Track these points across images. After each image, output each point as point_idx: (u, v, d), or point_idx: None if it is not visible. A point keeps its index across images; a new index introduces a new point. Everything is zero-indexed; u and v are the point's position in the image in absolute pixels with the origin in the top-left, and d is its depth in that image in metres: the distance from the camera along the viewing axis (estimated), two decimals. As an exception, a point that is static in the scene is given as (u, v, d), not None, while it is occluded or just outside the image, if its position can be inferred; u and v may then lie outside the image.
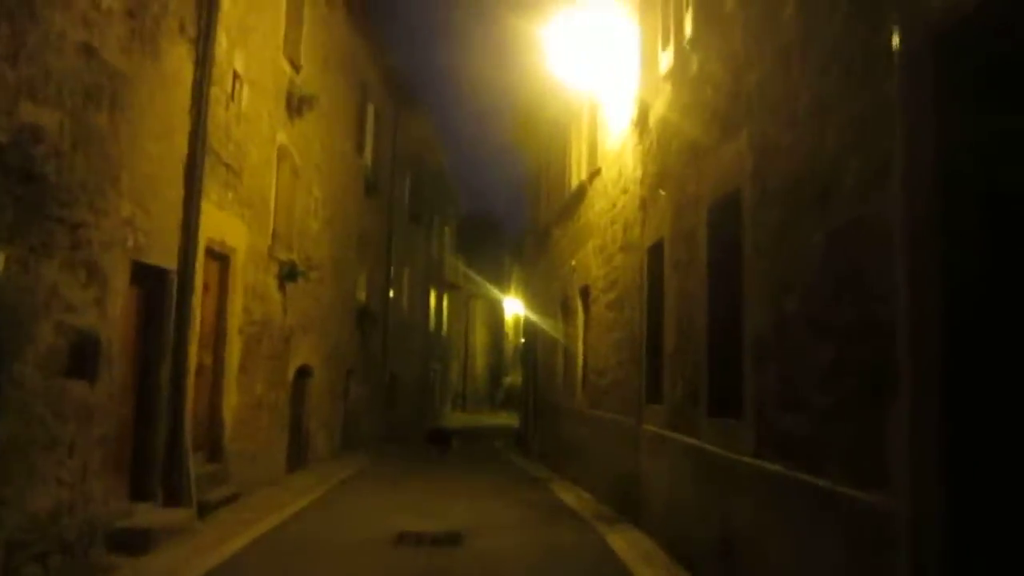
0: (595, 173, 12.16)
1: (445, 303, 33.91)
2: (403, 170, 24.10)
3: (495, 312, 46.70)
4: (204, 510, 8.77)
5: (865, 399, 3.95)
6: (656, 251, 8.78)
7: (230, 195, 9.89)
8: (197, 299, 8.89)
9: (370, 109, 19.20)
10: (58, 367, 6.16)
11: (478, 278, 39.77)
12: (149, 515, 7.74)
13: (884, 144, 3.79)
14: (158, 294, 8.27)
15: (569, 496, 11.68)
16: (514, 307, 45.43)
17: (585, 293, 12.91)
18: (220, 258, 9.90)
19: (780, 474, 4.92)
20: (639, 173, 9.51)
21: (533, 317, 20.32)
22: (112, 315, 7.00)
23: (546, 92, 15.44)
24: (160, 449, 8.16)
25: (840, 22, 4.42)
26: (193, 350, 8.87)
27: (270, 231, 11.67)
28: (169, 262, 8.31)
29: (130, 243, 7.35)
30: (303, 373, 14.03)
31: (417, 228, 26.72)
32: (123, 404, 7.60)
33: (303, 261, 12.87)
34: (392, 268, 22.20)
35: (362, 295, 18.60)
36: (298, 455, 13.82)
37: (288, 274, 12.22)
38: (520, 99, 18.99)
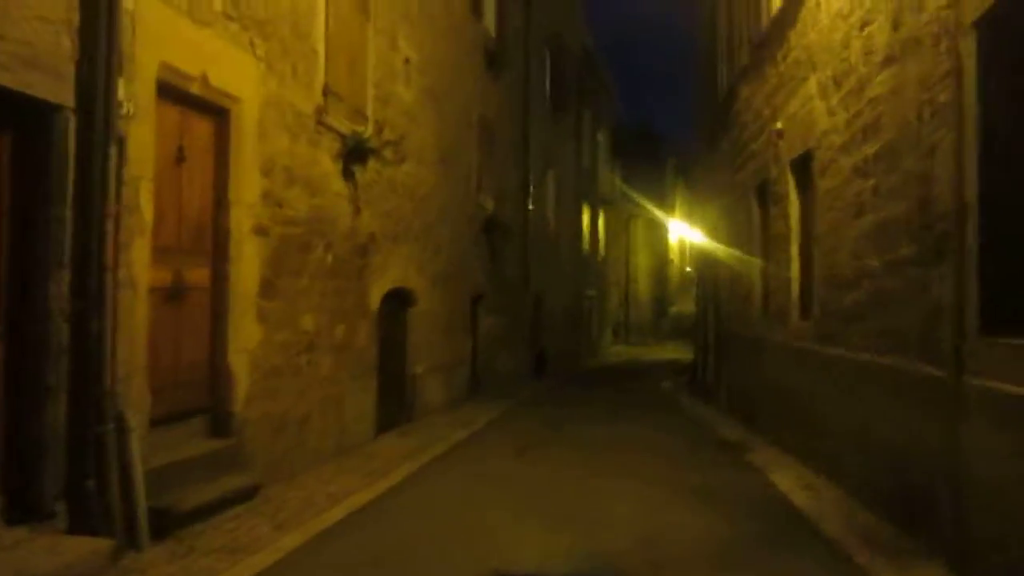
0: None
1: (600, 220, 29.52)
2: (540, 50, 19.71)
3: (658, 234, 41.69)
4: (170, 526, 5.14)
5: None
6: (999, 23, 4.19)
7: (218, 4, 6.00)
8: (141, 164, 5.11)
9: (489, -40, 14.92)
10: None
11: (638, 196, 34.83)
12: (19, 553, 4.12)
13: None
14: (36, 151, 4.53)
15: (788, 481, 7.32)
16: (679, 229, 40.33)
17: (803, 165, 8.29)
18: (207, 108, 6.08)
19: None
20: None
21: (710, 227, 15.68)
22: None
23: None
24: (56, 427, 4.50)
25: None
26: (139, 253, 5.12)
27: (318, 84, 7.76)
28: (57, 92, 4.52)
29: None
30: (399, 299, 10.27)
31: (562, 126, 22.37)
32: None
33: (379, 136, 8.92)
34: (531, 171, 18.07)
35: (488, 201, 14.61)
36: (396, 410, 10.17)
37: (354, 153, 8.33)
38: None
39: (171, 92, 5.57)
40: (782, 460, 8.38)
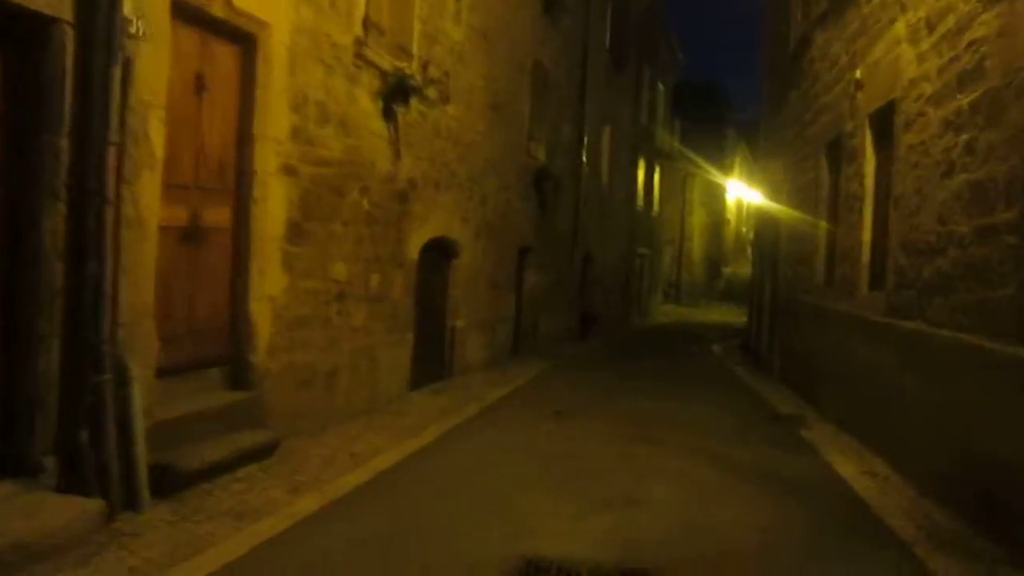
0: None
1: (656, 177, 28.58)
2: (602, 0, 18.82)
3: (715, 194, 40.44)
4: (175, 484, 4.79)
5: None
6: None
7: (245, -82, 5.47)
8: (152, 90, 4.64)
9: None
10: None
11: (695, 155, 33.60)
12: None
13: None
14: (29, 70, 4.08)
15: (849, 465, 6.72)
16: (737, 190, 39.08)
17: (883, 118, 7.52)
18: (231, 34, 5.59)
19: None
20: None
21: (772, 186, 14.85)
22: None
23: None
24: (48, 377, 4.13)
25: None
26: (147, 188, 4.69)
27: (358, 15, 7.22)
28: (53, 3, 4.06)
29: None
30: (440, 250, 9.81)
31: (621, 79, 21.48)
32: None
33: (423, 75, 8.35)
34: (586, 124, 17.33)
35: (540, 152, 13.98)
36: (433, 365, 9.78)
37: (396, 91, 7.79)
38: None
39: (188, 12, 5.08)
40: (841, 440, 7.77)
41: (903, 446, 6.39)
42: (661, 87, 28.63)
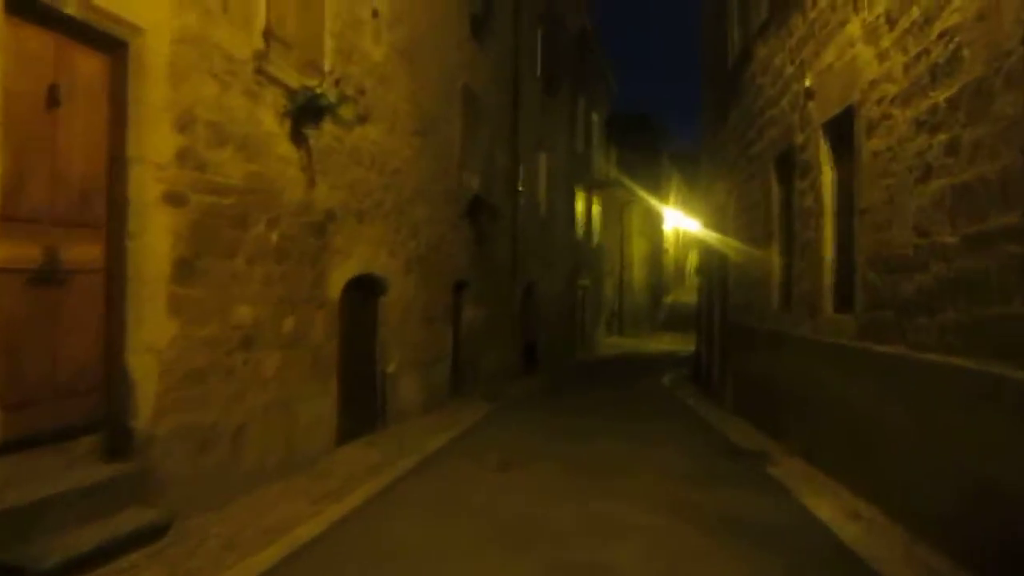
0: None
1: (595, 206, 28.11)
2: (533, 25, 18.32)
3: (653, 223, 40.25)
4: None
5: None
6: None
7: (108, -98, 4.63)
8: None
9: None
10: None
11: (633, 183, 33.28)
12: None
13: None
14: None
15: (828, 508, 6.01)
16: (675, 218, 38.94)
17: (841, 126, 6.94)
18: (95, 39, 4.70)
19: None
20: None
21: (717, 209, 14.35)
22: None
23: None
24: None
25: None
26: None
27: (258, 25, 6.38)
28: None
29: None
30: (367, 287, 8.93)
31: (555, 107, 20.97)
32: None
33: (339, 94, 7.53)
34: (521, 151, 16.70)
35: (473, 181, 13.24)
36: (363, 414, 8.87)
37: (306, 110, 6.96)
38: None
39: (33, 8, 4.20)
40: (813, 477, 7.09)
41: (887, 483, 5.71)
42: (595, 116, 28.30)
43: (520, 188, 16.67)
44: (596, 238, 28.49)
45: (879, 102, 5.96)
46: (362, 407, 8.89)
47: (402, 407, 9.85)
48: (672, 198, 40.44)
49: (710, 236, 14.96)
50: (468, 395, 12.37)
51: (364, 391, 9.01)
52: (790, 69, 8.46)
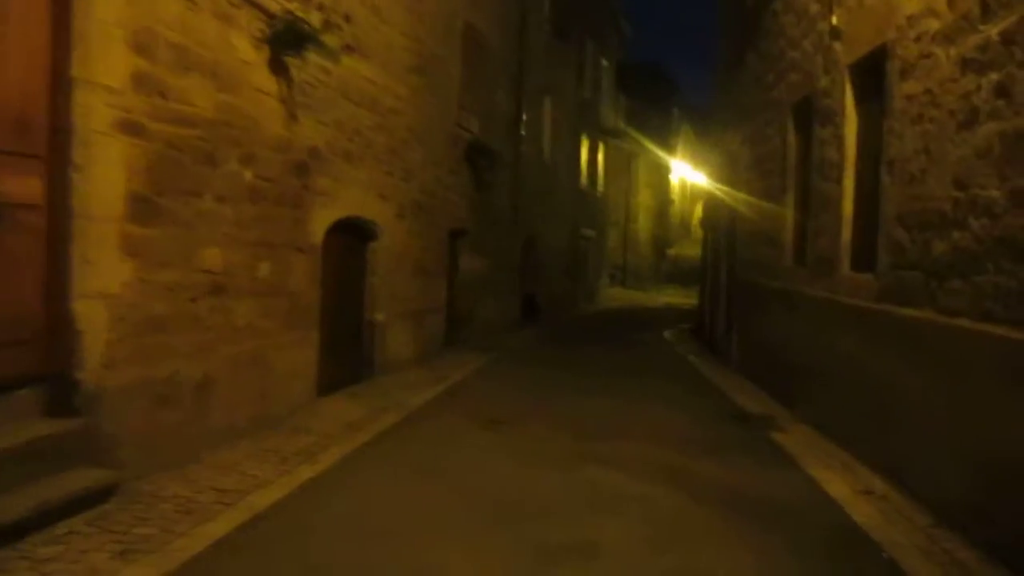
0: None
1: (600, 156, 27.37)
2: (541, -39, 17.48)
3: (660, 174, 39.44)
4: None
5: None
6: None
7: None
8: None
9: None
10: None
11: (641, 134, 32.44)
12: None
13: None
14: None
15: (839, 483, 5.56)
16: (682, 170, 38.19)
17: (870, 67, 6.33)
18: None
19: None
20: None
21: (728, 158, 13.73)
22: None
23: None
24: None
25: None
26: None
27: (230, -60, 5.77)
28: None
29: None
30: (355, 232, 8.43)
31: (563, 48, 20.18)
32: None
33: (324, 20, 6.90)
34: (525, 95, 16.01)
35: (473, 124, 12.62)
36: (349, 365, 8.43)
37: (286, 37, 6.36)
38: None
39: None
40: (821, 446, 6.65)
41: (906, 459, 5.25)
42: (605, 62, 27.40)
43: (523, 133, 16.02)
44: (602, 188, 27.81)
45: (918, 39, 5.36)
46: (348, 358, 8.45)
47: (392, 358, 9.40)
48: (680, 150, 39.59)
49: (718, 189, 14.36)
50: (463, 347, 11.93)
51: (350, 341, 8.57)
52: (815, 7, 7.80)
